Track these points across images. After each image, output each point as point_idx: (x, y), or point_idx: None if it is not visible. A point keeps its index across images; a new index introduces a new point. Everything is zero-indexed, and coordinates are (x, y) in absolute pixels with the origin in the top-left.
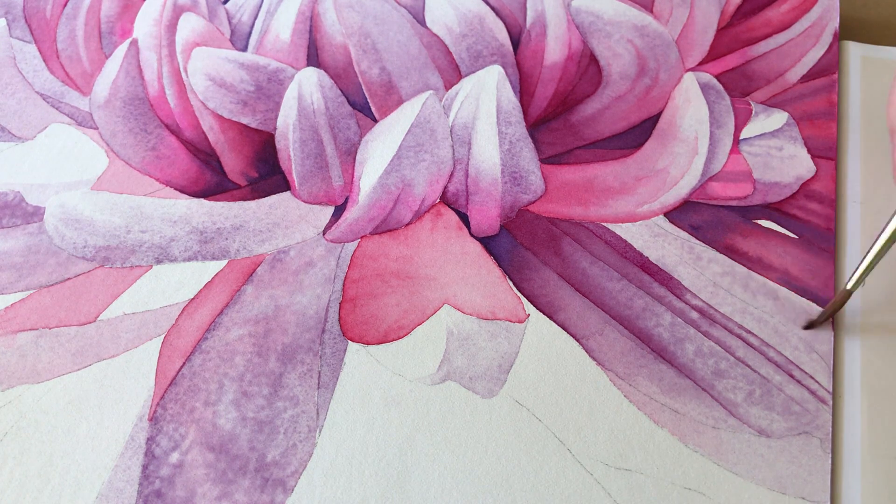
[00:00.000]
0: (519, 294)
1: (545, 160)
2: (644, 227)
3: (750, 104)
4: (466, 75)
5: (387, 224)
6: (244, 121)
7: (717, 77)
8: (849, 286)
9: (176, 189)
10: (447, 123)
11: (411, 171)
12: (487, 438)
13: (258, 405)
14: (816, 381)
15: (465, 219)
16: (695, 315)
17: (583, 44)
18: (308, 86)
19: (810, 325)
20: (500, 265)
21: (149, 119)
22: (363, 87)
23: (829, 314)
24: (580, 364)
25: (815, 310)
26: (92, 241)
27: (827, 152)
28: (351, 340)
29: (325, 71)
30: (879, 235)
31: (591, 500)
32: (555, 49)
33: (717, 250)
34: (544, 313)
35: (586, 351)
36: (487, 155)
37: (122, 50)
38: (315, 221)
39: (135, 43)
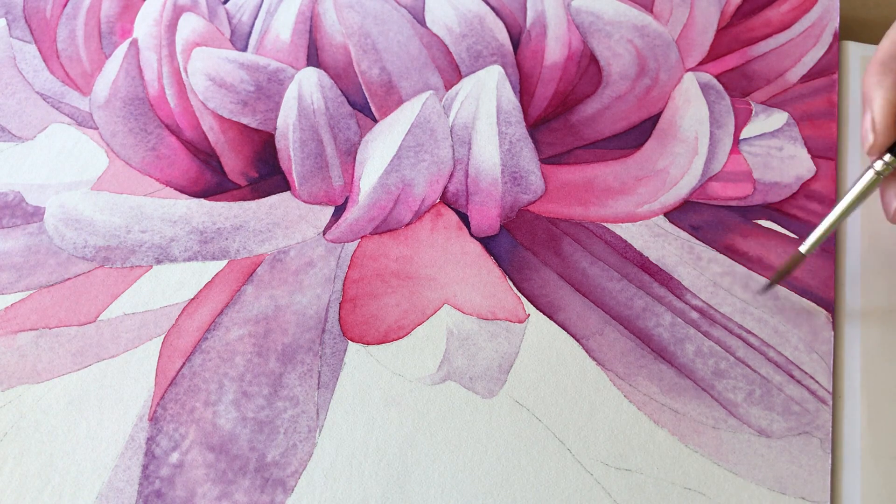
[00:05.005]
0: (519, 294)
1: (545, 160)
2: (644, 227)
3: (750, 104)
4: (466, 75)
5: (387, 224)
6: (244, 121)
7: (717, 77)
8: (802, 250)
9: (176, 189)
10: (447, 123)
11: (411, 171)
12: (487, 438)
13: (258, 405)
14: (816, 381)
15: (465, 219)
16: (695, 315)
17: (583, 44)
18: (308, 86)
19: (766, 288)
20: (500, 265)
21: (149, 119)
22: (363, 87)
23: (782, 277)
24: (580, 364)
25: (815, 309)
26: (92, 241)
27: (827, 152)
28: (351, 340)
29: (325, 71)
30: (840, 201)
31: (591, 500)
32: (555, 49)
33: (717, 250)
34: (544, 313)
35: (586, 351)
36: (487, 155)
37: (122, 50)
38: (315, 221)
39: (135, 43)
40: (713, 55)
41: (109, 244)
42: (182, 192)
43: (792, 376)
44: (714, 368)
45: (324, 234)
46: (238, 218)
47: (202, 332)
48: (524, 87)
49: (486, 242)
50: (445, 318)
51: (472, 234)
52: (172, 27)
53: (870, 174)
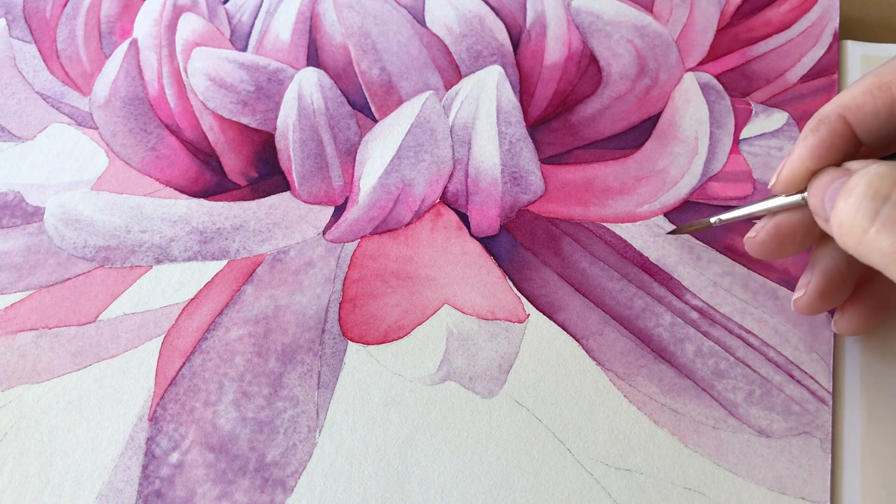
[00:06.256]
0: (519, 294)
1: (545, 160)
2: (644, 227)
3: (750, 104)
4: (466, 75)
5: (387, 224)
6: (244, 121)
7: (717, 77)
8: (712, 220)
9: (176, 189)
10: (447, 123)
11: (411, 171)
12: (487, 438)
13: (258, 405)
14: (816, 381)
15: (465, 219)
16: (695, 315)
17: (583, 44)
18: (308, 86)
19: (672, 232)
20: (500, 265)
21: (149, 119)
22: (363, 87)
23: (686, 231)
24: (580, 364)
25: None
26: (92, 241)
27: None
28: (351, 340)
29: (325, 71)
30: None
31: (591, 500)
32: (555, 49)
33: (717, 250)
34: (544, 313)
35: (586, 351)
36: (487, 155)
37: (122, 50)
38: (315, 221)
39: (135, 43)
40: (713, 55)
41: (109, 244)
42: (182, 192)
43: (792, 376)
44: (714, 368)
45: (324, 234)
46: (238, 218)
47: (202, 332)
48: (524, 87)
49: (486, 242)
50: (445, 318)
51: (472, 234)
52: (172, 27)
53: (796, 197)
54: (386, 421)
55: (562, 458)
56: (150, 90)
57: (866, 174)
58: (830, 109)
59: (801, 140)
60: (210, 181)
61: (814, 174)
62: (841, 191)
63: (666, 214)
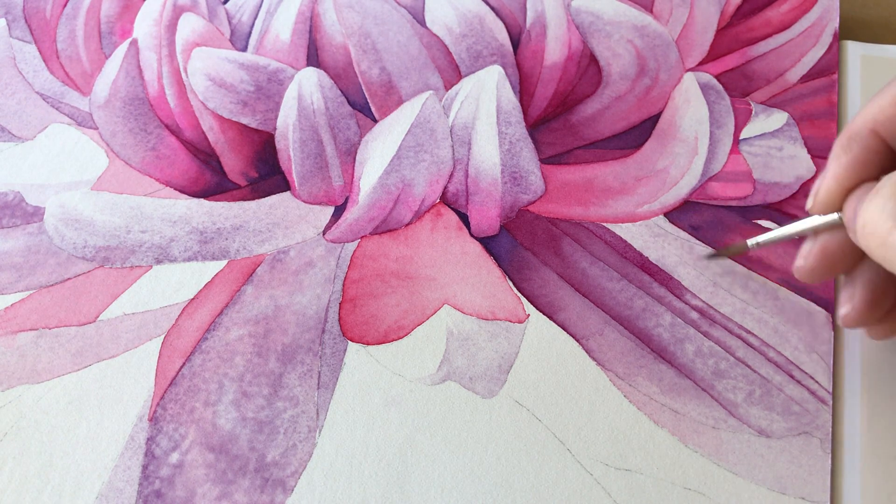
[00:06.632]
0: (519, 294)
1: (545, 160)
2: (644, 227)
3: (750, 104)
4: (466, 75)
5: (387, 224)
6: (244, 121)
7: (717, 77)
8: (750, 243)
9: (176, 189)
10: (447, 123)
11: (411, 171)
12: (487, 438)
13: (258, 405)
14: (816, 381)
15: (465, 219)
16: (695, 315)
17: (583, 44)
18: (308, 86)
19: (710, 256)
20: (500, 265)
21: (149, 119)
22: (363, 87)
23: (724, 256)
24: (580, 364)
25: (815, 309)
26: (92, 241)
27: (827, 152)
28: (351, 340)
29: (325, 71)
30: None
31: (591, 500)
32: (555, 49)
33: (717, 250)
34: (544, 313)
35: (586, 351)
36: (487, 155)
37: (122, 50)
38: (315, 221)
39: (135, 43)
40: (713, 55)
41: (109, 244)
42: (182, 192)
43: (792, 376)
44: (714, 368)
45: (324, 234)
46: (238, 218)
47: (202, 332)
48: (524, 87)
49: (486, 242)
50: (445, 318)
51: (472, 234)
52: (172, 27)
53: (833, 216)
54: (386, 421)
55: (562, 458)
56: (150, 90)
57: (893, 176)
58: (860, 125)
59: (833, 159)
60: (210, 181)
61: (849, 191)
62: (869, 194)
63: (666, 214)
